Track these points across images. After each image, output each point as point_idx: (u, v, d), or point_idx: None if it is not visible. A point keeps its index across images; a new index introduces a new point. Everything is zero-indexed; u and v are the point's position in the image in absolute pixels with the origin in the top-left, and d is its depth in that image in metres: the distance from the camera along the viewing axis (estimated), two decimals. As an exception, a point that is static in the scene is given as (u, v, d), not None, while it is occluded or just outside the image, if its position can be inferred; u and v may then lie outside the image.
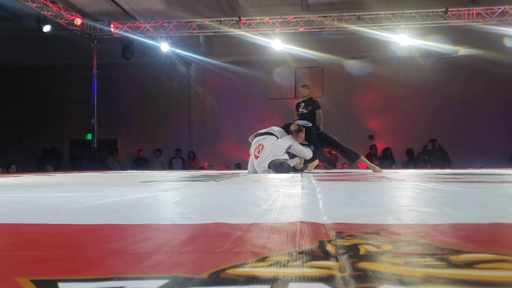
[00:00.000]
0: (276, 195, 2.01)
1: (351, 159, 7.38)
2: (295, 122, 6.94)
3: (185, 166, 14.17)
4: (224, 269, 0.59)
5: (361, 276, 0.55)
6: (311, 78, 15.30)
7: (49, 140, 15.44)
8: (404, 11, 10.63)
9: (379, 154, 14.20)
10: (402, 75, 14.00)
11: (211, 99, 15.12)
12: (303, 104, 8.33)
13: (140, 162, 14.70)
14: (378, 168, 7.01)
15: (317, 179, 3.74)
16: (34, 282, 0.55)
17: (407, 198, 1.95)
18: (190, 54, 13.51)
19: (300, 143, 6.49)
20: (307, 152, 6.53)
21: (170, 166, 14.49)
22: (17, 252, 0.76)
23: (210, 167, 13.74)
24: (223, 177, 4.44)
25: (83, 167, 12.74)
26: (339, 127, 14.47)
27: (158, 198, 2.05)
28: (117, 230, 1.02)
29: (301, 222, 1.04)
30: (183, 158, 14.66)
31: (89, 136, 12.51)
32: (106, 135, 14.04)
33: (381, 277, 0.54)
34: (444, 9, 10.37)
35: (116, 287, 0.53)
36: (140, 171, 9.46)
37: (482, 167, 9.09)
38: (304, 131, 6.54)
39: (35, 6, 9.67)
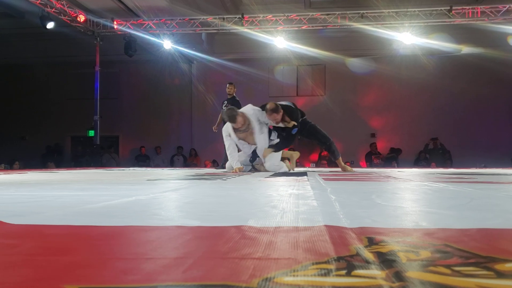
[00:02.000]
0: (288, 195, 2.00)
1: (335, 157, 6.74)
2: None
3: (186, 164, 14.16)
4: (271, 278, 0.58)
5: (413, 286, 0.54)
6: (313, 76, 15.30)
7: (51, 136, 15.44)
8: (408, 9, 10.60)
9: (382, 152, 14.20)
10: (405, 73, 13.97)
11: (213, 97, 15.10)
12: (226, 102, 8.43)
13: (142, 159, 14.71)
14: (349, 168, 6.64)
15: (324, 179, 3.74)
16: (83, 291, 0.54)
17: (421, 199, 1.95)
18: (192, 52, 13.50)
19: (276, 127, 6.02)
20: (262, 143, 5.99)
21: (171, 164, 14.49)
22: (50, 257, 0.75)
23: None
24: (229, 176, 4.43)
25: (85, 164, 12.73)
26: (341, 125, 14.48)
27: (170, 198, 2.04)
28: (142, 232, 1.01)
29: (326, 226, 1.03)
30: (185, 156, 14.66)
31: (91, 133, 12.51)
32: (108, 132, 14.04)
33: (433, 288, 0.54)
34: (448, 8, 10.34)
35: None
36: (143, 168, 9.46)
37: (485, 167, 9.08)
38: (282, 113, 5.93)
39: (39, 3, 9.65)
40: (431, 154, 13.49)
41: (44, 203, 1.71)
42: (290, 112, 6.04)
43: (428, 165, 12.23)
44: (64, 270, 0.65)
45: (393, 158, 13.66)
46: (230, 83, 8.62)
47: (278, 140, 6.12)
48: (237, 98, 8.59)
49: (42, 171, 7.14)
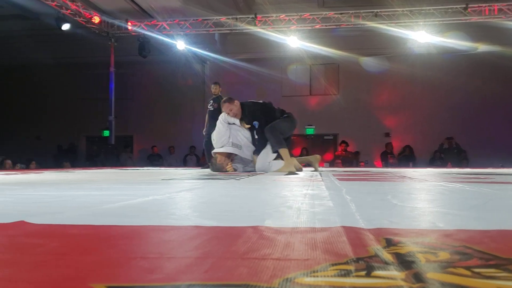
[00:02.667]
0: (303, 196, 2.01)
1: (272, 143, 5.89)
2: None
3: (199, 163, 14.22)
4: (291, 279, 0.59)
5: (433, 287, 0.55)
6: (327, 75, 15.27)
7: (66, 136, 15.62)
8: (423, 8, 10.53)
9: (396, 152, 14.12)
10: (419, 72, 13.88)
11: (226, 96, 15.13)
12: (211, 101, 8.47)
13: (154, 159, 14.81)
14: (291, 168, 5.74)
15: (338, 179, 3.73)
16: (110, 289, 0.56)
17: (437, 200, 1.94)
18: (205, 52, 13.56)
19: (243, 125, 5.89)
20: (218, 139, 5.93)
21: (184, 163, 14.57)
22: (76, 256, 0.77)
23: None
24: (242, 176, 4.45)
25: (100, 164, 12.86)
26: (355, 124, 14.44)
27: (185, 197, 2.06)
28: (161, 232, 1.02)
29: (343, 227, 1.04)
30: (197, 155, 14.72)
31: (106, 133, 12.64)
32: (122, 132, 14.17)
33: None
34: (464, 6, 10.24)
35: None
36: (156, 168, 9.53)
37: (503, 166, 8.98)
38: (236, 104, 5.90)
39: (55, 5, 9.77)
40: (446, 153, 13.37)
41: (63, 203, 1.74)
42: (247, 108, 6.00)
43: (443, 165, 12.12)
44: (91, 269, 0.67)
45: (410, 158, 13.55)
46: (215, 83, 8.74)
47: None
48: (222, 97, 8.63)
49: (58, 170, 7.23)
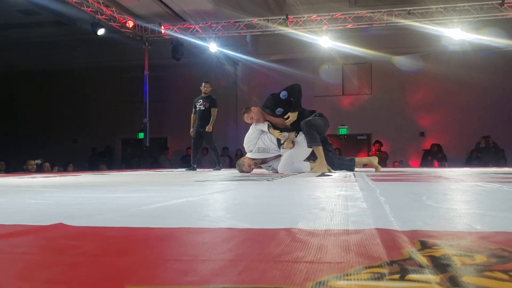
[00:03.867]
0: (336, 197, 2.00)
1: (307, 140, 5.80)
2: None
3: (232, 164, 14.29)
4: (325, 282, 0.59)
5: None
6: (359, 75, 15.12)
7: (102, 139, 15.97)
8: (457, 5, 10.30)
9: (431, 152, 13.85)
10: (454, 70, 13.57)
11: (257, 98, 15.17)
12: (201, 100, 8.28)
13: (188, 160, 14.96)
14: (324, 169, 5.69)
15: (372, 179, 3.69)
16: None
17: (475, 201, 1.90)
18: (237, 54, 13.64)
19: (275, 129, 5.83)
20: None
21: (217, 164, 14.65)
22: (112, 258, 0.79)
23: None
24: (275, 177, 4.45)
25: (135, 166, 13.09)
26: (389, 124, 14.24)
27: (218, 199, 2.08)
28: (195, 234, 1.04)
29: (377, 229, 1.03)
30: (230, 156, 14.80)
31: (141, 135, 12.85)
32: (157, 134, 14.40)
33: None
34: (500, 1, 9.96)
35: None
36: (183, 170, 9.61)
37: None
38: (254, 110, 5.89)
39: (90, 11, 10.02)
40: (483, 153, 13.02)
41: (100, 205, 1.79)
42: (266, 103, 5.99)
43: (480, 165, 11.79)
44: (126, 270, 0.69)
45: (442, 158, 13.27)
46: (206, 82, 8.65)
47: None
48: (214, 97, 8.54)
49: (95, 173, 7.40)
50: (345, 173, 5.34)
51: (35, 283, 0.62)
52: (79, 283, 0.63)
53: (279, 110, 5.91)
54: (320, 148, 5.72)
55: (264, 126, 5.91)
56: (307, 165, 5.81)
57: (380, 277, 0.61)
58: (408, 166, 13.36)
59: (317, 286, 0.57)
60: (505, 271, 0.63)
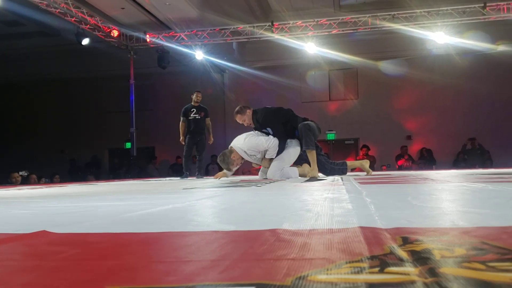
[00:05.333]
0: (323, 199, 2.00)
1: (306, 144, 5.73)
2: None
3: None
4: (305, 276, 0.59)
5: (446, 281, 0.55)
6: (345, 81, 15.22)
7: (89, 150, 15.85)
8: (440, 8, 10.43)
9: (414, 156, 13.97)
10: (439, 73, 13.71)
11: (245, 105, 15.18)
12: (194, 110, 8.38)
13: (177, 169, 14.91)
14: (315, 173, 5.72)
15: (360, 182, 3.70)
16: (125, 291, 0.57)
17: (459, 200, 1.91)
18: (223, 62, 13.66)
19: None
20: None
21: (206, 172, 14.62)
22: (94, 261, 0.78)
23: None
24: (263, 183, 4.45)
25: (123, 176, 13.00)
26: (376, 128, 14.34)
27: (206, 204, 2.07)
28: (180, 238, 1.04)
29: (361, 227, 1.03)
30: (219, 165, 14.76)
31: (128, 145, 12.78)
32: (144, 143, 14.32)
33: (467, 283, 0.54)
34: (482, 4, 10.10)
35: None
36: (178, 178, 9.58)
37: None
38: (248, 114, 5.87)
39: (74, 20, 9.97)
40: (469, 154, 13.15)
41: (85, 213, 1.77)
42: (257, 115, 5.92)
43: (467, 167, 11.89)
44: (107, 273, 0.68)
45: (429, 161, 13.37)
46: (198, 91, 8.67)
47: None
48: (203, 106, 8.65)
49: (82, 183, 7.33)
50: (333, 177, 5.35)
51: (12, 287, 0.62)
52: (61, 286, 0.62)
53: (268, 129, 5.85)
54: (314, 152, 5.73)
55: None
56: (296, 170, 5.82)
57: (360, 270, 0.61)
58: (396, 169, 13.43)
59: (297, 281, 0.57)
60: (483, 262, 0.63)
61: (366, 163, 6.36)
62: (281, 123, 5.89)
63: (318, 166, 5.80)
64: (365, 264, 0.65)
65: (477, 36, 11.57)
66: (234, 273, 0.65)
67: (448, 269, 0.60)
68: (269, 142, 5.71)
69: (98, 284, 0.61)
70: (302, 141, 5.75)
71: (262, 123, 5.90)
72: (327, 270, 0.63)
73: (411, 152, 14.06)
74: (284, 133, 5.87)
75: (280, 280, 0.58)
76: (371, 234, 0.92)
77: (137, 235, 1.08)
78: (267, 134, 5.87)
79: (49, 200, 2.80)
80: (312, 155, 5.71)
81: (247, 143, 5.79)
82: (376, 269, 0.62)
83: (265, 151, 5.80)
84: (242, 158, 5.92)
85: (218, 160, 6.09)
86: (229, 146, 6.00)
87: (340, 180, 4.37)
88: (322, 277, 0.59)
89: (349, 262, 0.66)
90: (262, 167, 6.15)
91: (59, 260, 0.80)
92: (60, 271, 0.71)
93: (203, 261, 0.74)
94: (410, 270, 0.61)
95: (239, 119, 6.00)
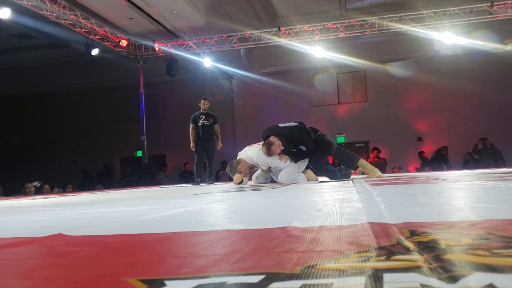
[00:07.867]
0: (333, 200, 2.02)
1: (349, 165, 5.90)
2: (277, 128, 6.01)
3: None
4: (314, 265, 0.61)
5: (450, 265, 0.56)
6: (354, 83, 15.19)
7: (101, 159, 15.95)
8: (447, 9, 10.39)
9: (429, 157, 13.88)
10: (447, 74, 13.63)
11: (254, 111, 15.24)
12: (203, 116, 8.48)
13: (187, 176, 14.95)
14: (378, 172, 5.73)
15: (370, 184, 3.71)
16: (142, 281, 0.59)
17: (469, 196, 1.92)
18: (231, 69, 13.73)
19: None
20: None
21: (217, 179, 14.65)
22: (111, 258, 0.81)
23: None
24: (274, 186, 4.47)
25: (135, 184, 13.07)
26: (386, 131, 14.28)
27: (217, 207, 2.10)
28: (193, 236, 1.06)
29: (370, 223, 1.05)
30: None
31: (139, 153, 12.86)
32: (155, 151, 14.40)
33: (470, 266, 0.56)
34: (489, 3, 10.05)
35: (218, 282, 0.57)
36: (189, 184, 9.62)
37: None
38: (278, 142, 5.63)
39: (83, 31, 10.08)
40: (481, 155, 13.04)
41: (99, 218, 1.80)
42: (287, 139, 5.77)
43: (479, 167, 11.78)
44: (124, 267, 0.71)
45: (442, 161, 13.28)
46: (205, 99, 8.70)
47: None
48: (212, 113, 8.71)
49: (94, 192, 7.40)
50: (344, 180, 5.37)
51: (35, 280, 0.65)
52: (79, 279, 0.65)
53: (302, 147, 5.79)
54: (362, 159, 5.80)
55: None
56: (303, 176, 5.87)
57: (367, 259, 0.63)
58: (407, 171, 13.36)
59: (307, 269, 0.59)
60: (487, 249, 0.65)
61: (376, 172, 6.12)
62: (309, 136, 5.90)
63: (326, 174, 5.94)
64: (373, 254, 0.67)
65: (485, 36, 11.50)
66: (246, 264, 0.67)
67: (452, 256, 0.62)
68: (287, 164, 5.74)
69: (115, 276, 0.64)
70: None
71: (296, 143, 5.80)
72: (336, 260, 0.65)
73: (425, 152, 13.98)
74: (313, 145, 5.86)
75: (290, 269, 0.60)
76: (379, 228, 0.94)
77: (150, 235, 1.10)
78: (300, 151, 5.83)
79: (63, 207, 2.84)
80: (362, 162, 5.77)
81: (263, 158, 5.77)
82: (383, 257, 0.64)
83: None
84: (249, 168, 5.95)
85: (226, 170, 6.12)
86: (238, 156, 6.04)
87: (351, 182, 4.38)
88: (331, 265, 0.61)
89: (357, 253, 0.68)
90: (257, 173, 6.18)
91: (76, 258, 0.82)
92: (78, 267, 0.73)
93: (215, 255, 0.76)
94: (416, 257, 0.63)
95: (273, 153, 5.68)
